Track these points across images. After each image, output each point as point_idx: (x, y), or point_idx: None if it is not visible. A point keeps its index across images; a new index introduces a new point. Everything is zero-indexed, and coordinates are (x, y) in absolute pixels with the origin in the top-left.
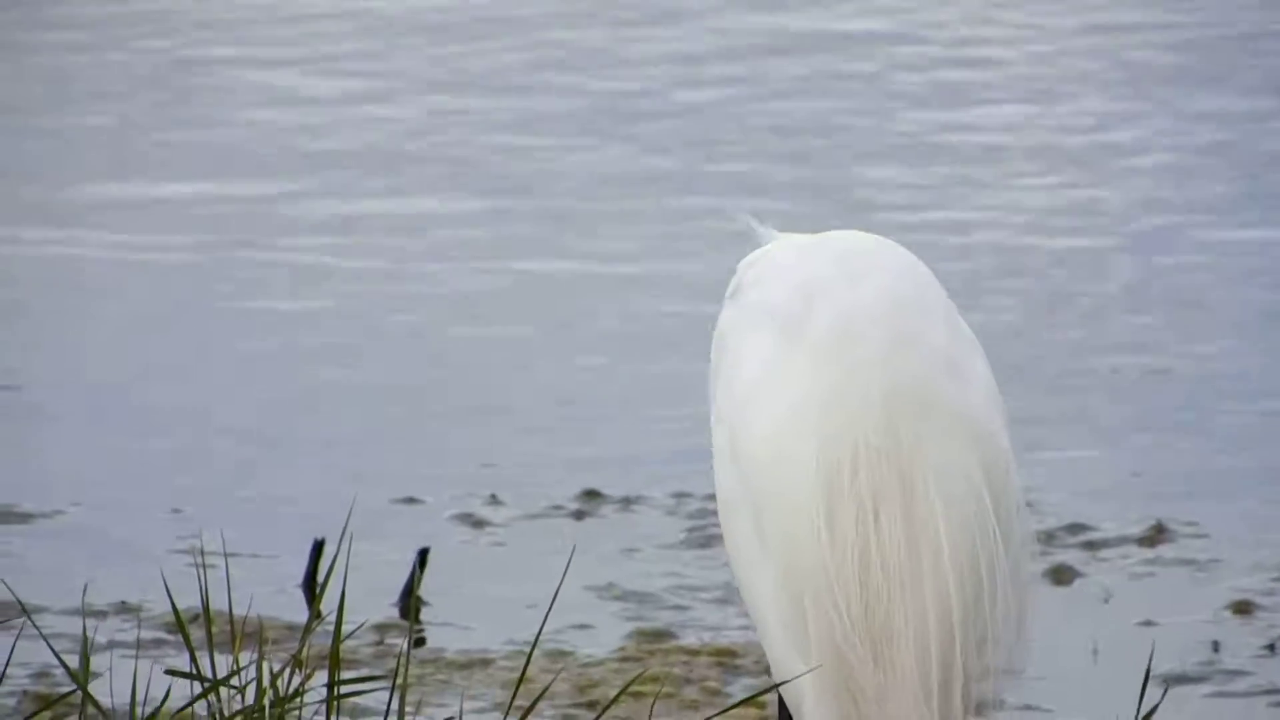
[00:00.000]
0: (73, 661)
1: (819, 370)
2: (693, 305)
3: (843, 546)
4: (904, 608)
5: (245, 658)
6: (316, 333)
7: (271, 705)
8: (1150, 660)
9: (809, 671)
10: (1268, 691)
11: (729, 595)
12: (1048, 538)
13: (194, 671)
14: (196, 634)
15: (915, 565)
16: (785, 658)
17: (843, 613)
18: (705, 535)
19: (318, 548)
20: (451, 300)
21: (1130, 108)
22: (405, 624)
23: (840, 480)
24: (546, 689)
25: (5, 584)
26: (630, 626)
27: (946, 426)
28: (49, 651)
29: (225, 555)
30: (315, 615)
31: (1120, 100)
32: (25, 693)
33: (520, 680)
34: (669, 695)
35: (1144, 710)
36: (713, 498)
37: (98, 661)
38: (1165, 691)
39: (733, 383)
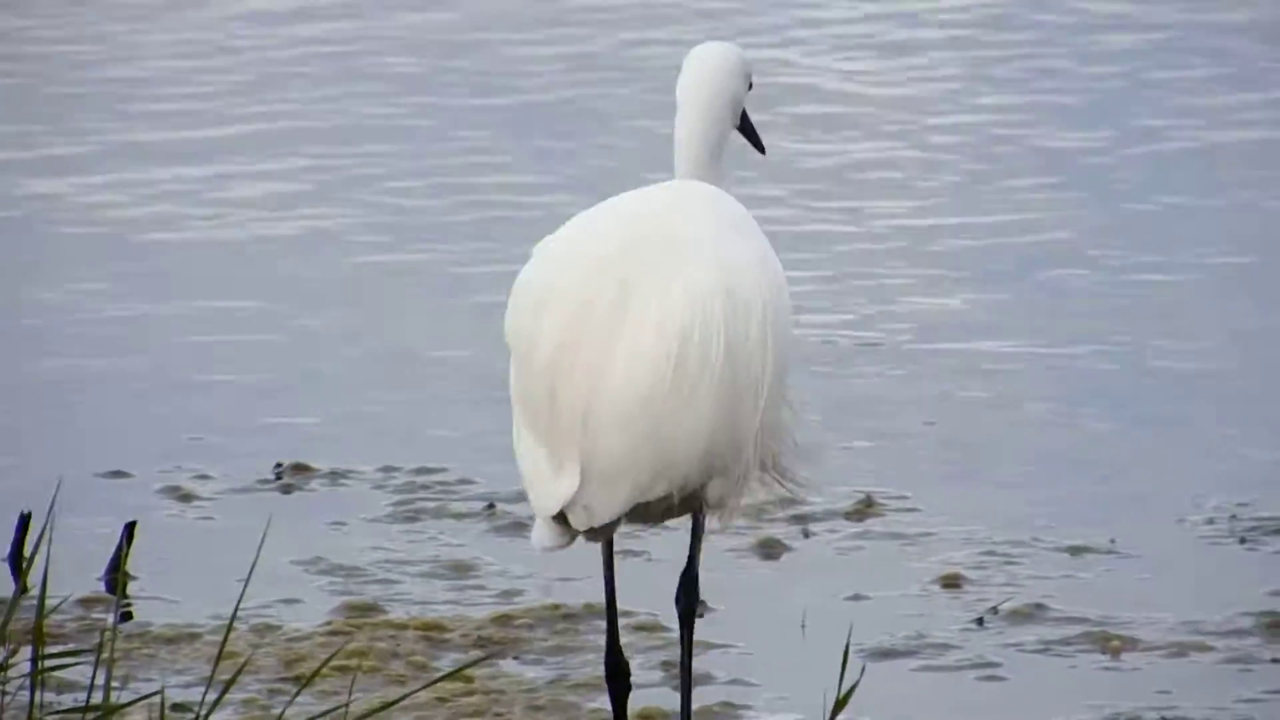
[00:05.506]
0: None
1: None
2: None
3: (553, 336)
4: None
5: None
6: (26, 313)
7: None
8: (849, 635)
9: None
10: (975, 665)
11: (436, 570)
12: (757, 512)
13: None
14: None
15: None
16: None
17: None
18: (413, 509)
19: (24, 521)
20: (164, 274)
21: None
22: (112, 598)
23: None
24: (246, 662)
25: None
26: (338, 600)
27: (687, 257)
28: None
29: None
30: (21, 589)
31: None
32: None
33: (220, 653)
34: (375, 669)
35: (845, 686)
36: (420, 471)
37: None
38: (863, 669)
39: None
